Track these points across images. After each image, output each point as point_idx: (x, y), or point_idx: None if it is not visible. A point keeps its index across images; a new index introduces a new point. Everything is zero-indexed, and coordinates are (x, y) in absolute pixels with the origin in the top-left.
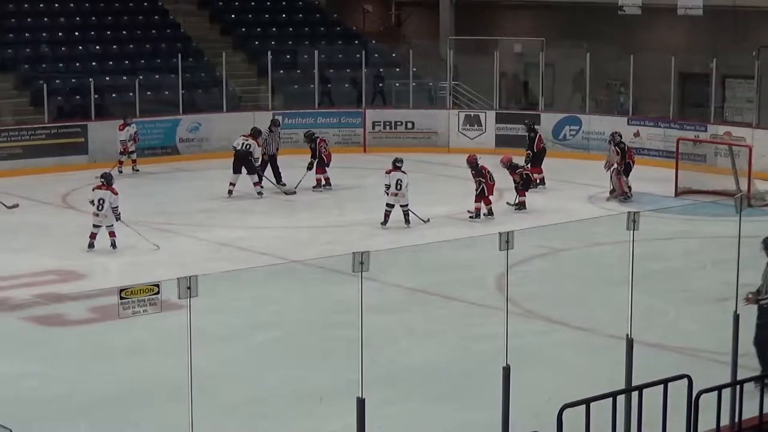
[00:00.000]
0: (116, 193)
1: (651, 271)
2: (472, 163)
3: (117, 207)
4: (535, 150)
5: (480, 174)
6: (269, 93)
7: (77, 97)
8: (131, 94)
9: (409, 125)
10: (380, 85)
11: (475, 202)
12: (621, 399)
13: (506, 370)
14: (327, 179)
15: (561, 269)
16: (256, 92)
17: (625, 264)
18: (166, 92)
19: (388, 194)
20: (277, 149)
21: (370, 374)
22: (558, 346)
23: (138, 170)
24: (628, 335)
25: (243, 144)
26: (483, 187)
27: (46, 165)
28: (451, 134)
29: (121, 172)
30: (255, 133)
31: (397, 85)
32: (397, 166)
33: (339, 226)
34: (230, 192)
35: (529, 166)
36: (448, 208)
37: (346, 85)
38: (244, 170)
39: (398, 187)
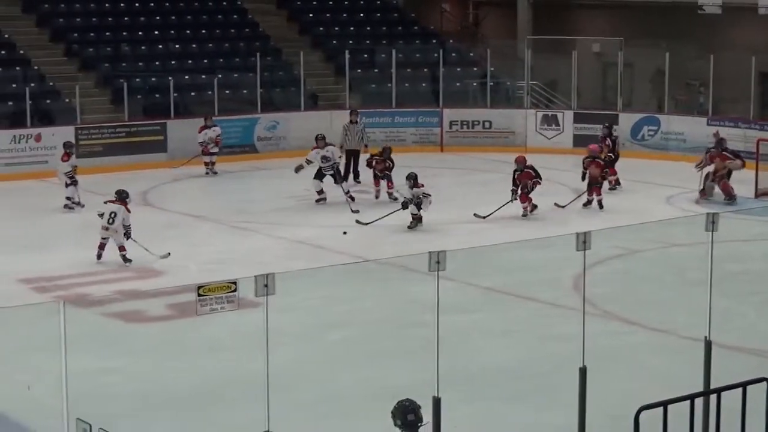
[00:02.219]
0: (129, 211)
1: (730, 273)
2: (521, 164)
3: (129, 225)
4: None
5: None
6: (346, 92)
7: (157, 95)
8: (210, 92)
9: (487, 125)
10: (458, 84)
11: (522, 202)
12: (699, 402)
13: (583, 371)
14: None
15: (638, 270)
16: (334, 91)
17: (703, 265)
18: (245, 91)
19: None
20: (365, 145)
21: (445, 373)
22: (635, 347)
23: (216, 173)
24: (706, 337)
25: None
26: (527, 185)
27: (125, 163)
28: (528, 134)
29: (208, 173)
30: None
31: (475, 84)
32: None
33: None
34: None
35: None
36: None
37: (423, 84)
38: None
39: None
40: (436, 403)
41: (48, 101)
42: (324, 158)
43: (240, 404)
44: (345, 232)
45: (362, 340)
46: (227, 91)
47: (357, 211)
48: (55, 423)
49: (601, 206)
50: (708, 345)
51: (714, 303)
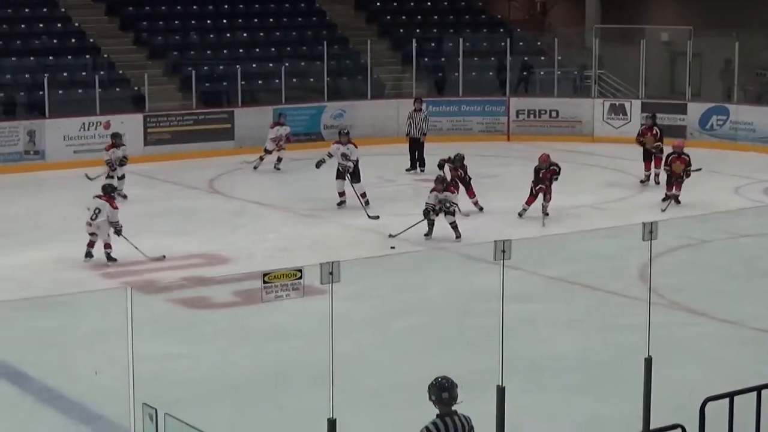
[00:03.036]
0: (115, 207)
1: None
2: (545, 163)
3: (117, 222)
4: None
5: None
6: (413, 80)
7: (224, 83)
8: (277, 81)
9: (554, 114)
10: (525, 73)
11: (527, 204)
12: (766, 394)
13: (648, 362)
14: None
15: (706, 261)
16: (400, 80)
17: None
18: (312, 79)
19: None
20: (423, 133)
21: (509, 363)
22: (702, 338)
23: (279, 169)
24: None
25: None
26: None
27: (193, 150)
28: (595, 123)
29: (277, 168)
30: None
31: (542, 73)
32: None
33: (482, 215)
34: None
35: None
36: (591, 197)
37: (490, 73)
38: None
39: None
40: (500, 392)
41: (117, 89)
42: (344, 155)
43: (304, 391)
44: (393, 247)
45: (427, 329)
46: (294, 80)
47: (376, 217)
48: (122, 408)
49: (678, 202)
50: None
51: None
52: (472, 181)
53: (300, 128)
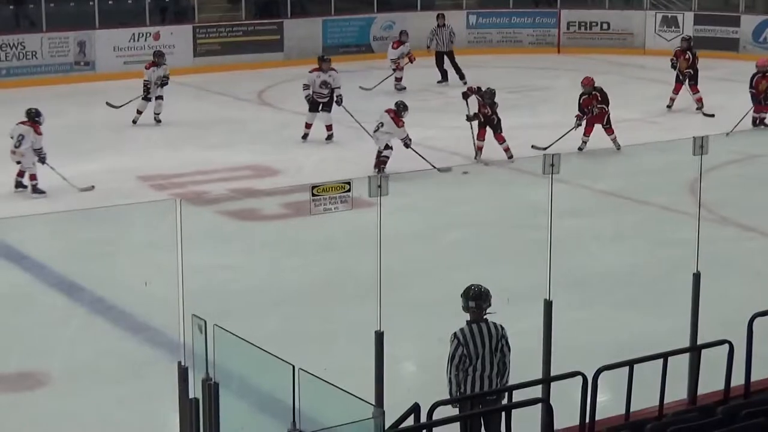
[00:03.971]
0: (40, 133)
1: None
2: (589, 86)
3: (41, 149)
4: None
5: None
6: None
7: None
8: None
9: (605, 26)
10: None
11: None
12: None
13: (696, 277)
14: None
15: (757, 176)
16: None
17: None
18: None
19: None
20: (449, 49)
21: (557, 277)
22: (751, 254)
23: (405, 88)
24: None
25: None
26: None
27: (242, 62)
28: (647, 36)
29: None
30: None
31: None
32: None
33: (531, 127)
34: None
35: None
36: (642, 110)
37: None
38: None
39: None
40: (548, 306)
41: (166, 0)
42: (324, 83)
43: (353, 303)
44: (465, 172)
45: (475, 242)
46: None
47: (448, 169)
48: (171, 319)
49: (765, 125)
50: None
51: None
52: (501, 124)
53: (350, 40)
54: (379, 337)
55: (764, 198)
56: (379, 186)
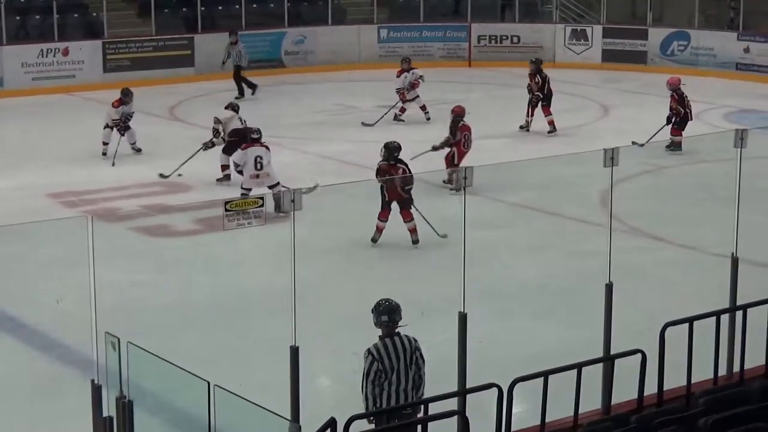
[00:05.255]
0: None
1: (759, 190)
2: (458, 115)
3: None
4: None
5: (453, 133)
6: (374, 6)
7: (184, 9)
8: (237, 6)
9: (515, 39)
10: None
11: (447, 167)
12: (725, 318)
13: (609, 287)
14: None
15: (667, 187)
16: (361, 5)
17: (732, 182)
18: (272, 5)
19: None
20: (245, 63)
21: (472, 289)
22: (662, 264)
23: (402, 120)
24: (733, 254)
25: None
26: (454, 151)
27: (153, 77)
28: (557, 49)
29: (398, 119)
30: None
31: None
32: (254, 138)
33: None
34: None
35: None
36: (543, 121)
37: None
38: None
39: (258, 166)
40: (462, 318)
41: (75, 15)
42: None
43: (267, 318)
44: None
45: (389, 256)
46: (254, 5)
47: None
48: (84, 336)
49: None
50: (735, 262)
51: (742, 220)
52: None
53: (261, 54)
54: (295, 352)
55: (673, 208)
56: (293, 200)
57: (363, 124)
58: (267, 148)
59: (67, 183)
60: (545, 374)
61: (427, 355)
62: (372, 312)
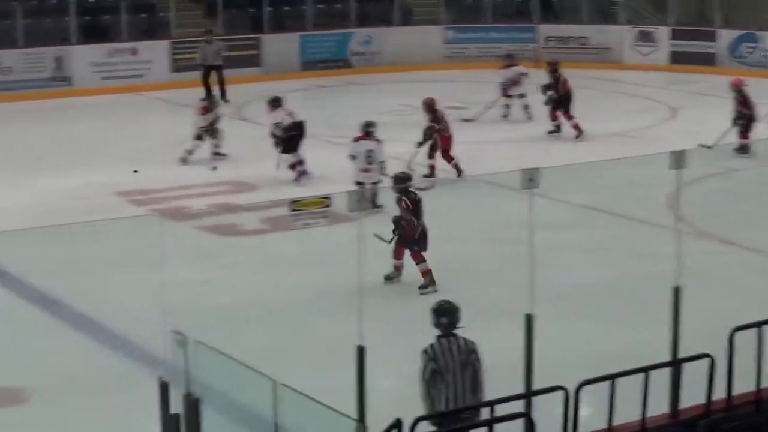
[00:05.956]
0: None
1: None
2: (429, 107)
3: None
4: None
5: (435, 120)
6: (440, 7)
7: (251, 9)
8: (304, 6)
9: (582, 41)
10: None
11: (429, 158)
12: None
13: (677, 291)
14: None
15: (736, 189)
16: (428, 6)
17: None
18: (338, 5)
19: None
20: (216, 62)
21: (537, 291)
22: (731, 267)
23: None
24: None
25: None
26: (437, 138)
27: None
28: (624, 50)
29: (506, 115)
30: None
31: None
32: (367, 131)
33: (511, 141)
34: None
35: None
36: (619, 125)
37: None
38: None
39: (368, 161)
40: (529, 320)
41: (143, 15)
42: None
43: (333, 318)
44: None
45: (456, 256)
46: (321, 5)
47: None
48: (152, 334)
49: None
50: None
51: None
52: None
53: (327, 55)
54: (361, 351)
55: (743, 211)
56: (359, 201)
57: (464, 120)
58: (378, 141)
59: (135, 182)
60: (612, 377)
61: (492, 357)
62: (431, 312)
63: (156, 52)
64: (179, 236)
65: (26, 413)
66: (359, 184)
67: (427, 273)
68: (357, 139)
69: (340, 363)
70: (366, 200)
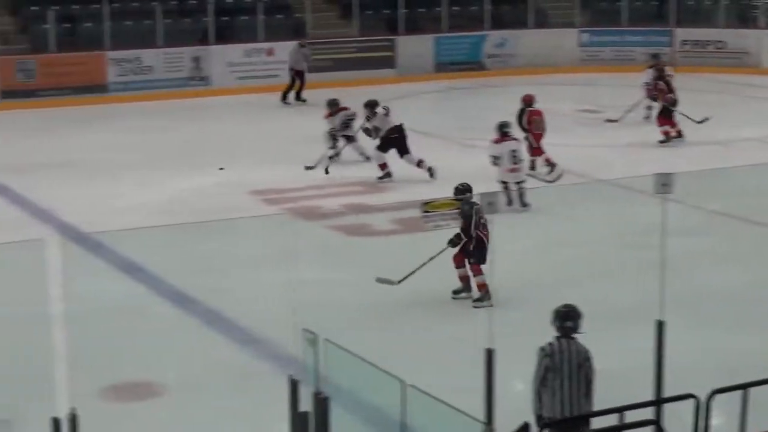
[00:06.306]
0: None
1: None
2: (528, 103)
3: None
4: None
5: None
6: (576, 9)
7: (386, 11)
8: (439, 8)
9: (720, 45)
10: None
11: (536, 154)
12: None
13: None
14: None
15: None
16: (563, 8)
17: None
18: (473, 7)
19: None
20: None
21: (669, 297)
22: None
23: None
24: None
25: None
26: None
27: (354, 78)
28: (763, 55)
29: (648, 117)
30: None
31: (708, 2)
32: (504, 132)
33: (643, 145)
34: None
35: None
36: (758, 130)
37: (654, 3)
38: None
39: (514, 160)
40: (659, 326)
41: (279, 16)
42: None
43: (463, 319)
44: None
45: (587, 260)
46: (456, 8)
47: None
48: (283, 332)
49: None
50: None
51: None
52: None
53: (461, 57)
54: (489, 354)
55: None
56: (490, 203)
57: (607, 120)
58: (518, 140)
59: (269, 181)
60: (745, 386)
61: (621, 363)
62: (554, 315)
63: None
64: (311, 236)
65: (159, 407)
66: (503, 183)
67: (483, 286)
68: (497, 141)
69: (469, 365)
70: (498, 203)
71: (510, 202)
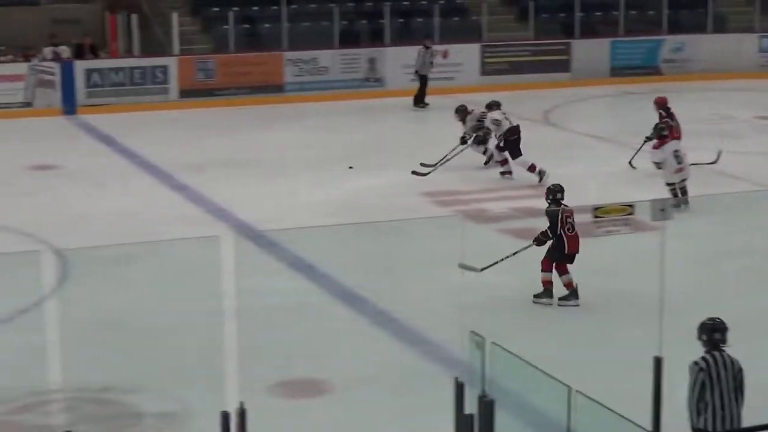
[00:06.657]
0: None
1: None
2: (662, 105)
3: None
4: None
5: (669, 116)
6: (756, 14)
7: (562, 14)
8: (615, 12)
9: None
10: None
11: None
12: None
13: None
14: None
15: None
16: (743, 13)
17: None
18: (651, 12)
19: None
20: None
21: None
22: None
23: None
24: None
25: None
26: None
27: (528, 81)
28: None
29: None
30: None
31: None
32: (663, 135)
33: None
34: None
35: None
36: None
37: None
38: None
39: (678, 160)
40: None
41: (456, 18)
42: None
43: (632, 326)
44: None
45: (759, 270)
46: (633, 12)
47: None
48: (450, 334)
49: None
50: None
51: None
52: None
53: (637, 61)
54: (658, 362)
55: None
56: (662, 210)
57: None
58: (678, 140)
59: (441, 182)
60: None
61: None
62: (701, 328)
63: (467, 54)
64: (480, 238)
65: (326, 404)
66: (670, 185)
67: (569, 285)
68: (658, 146)
69: (636, 373)
70: (669, 209)
71: (678, 205)
